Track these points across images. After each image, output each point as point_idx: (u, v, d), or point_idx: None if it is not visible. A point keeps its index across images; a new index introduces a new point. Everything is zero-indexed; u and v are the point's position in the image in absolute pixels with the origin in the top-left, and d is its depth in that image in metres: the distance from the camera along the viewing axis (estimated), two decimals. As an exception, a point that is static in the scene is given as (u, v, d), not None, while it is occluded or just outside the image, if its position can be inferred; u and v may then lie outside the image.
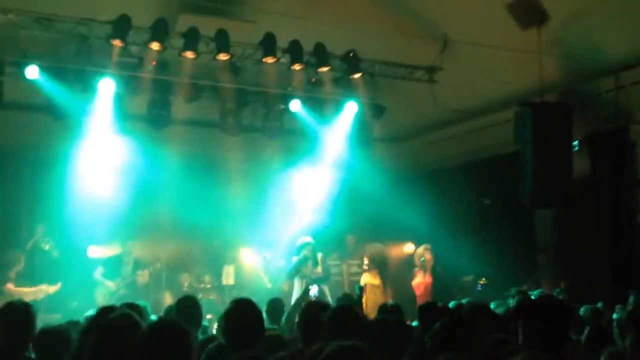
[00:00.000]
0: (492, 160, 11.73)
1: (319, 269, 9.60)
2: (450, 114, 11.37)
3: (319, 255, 9.74)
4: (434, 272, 10.69)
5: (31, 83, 9.44)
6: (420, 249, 10.19)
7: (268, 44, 9.60)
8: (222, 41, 9.36)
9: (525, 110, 9.19)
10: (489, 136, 11.52)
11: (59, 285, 9.44)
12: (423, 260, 10.64)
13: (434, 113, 11.30)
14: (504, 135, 10.31)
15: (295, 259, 9.72)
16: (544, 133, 9.03)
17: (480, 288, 10.89)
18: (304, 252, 9.66)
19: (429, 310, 5.65)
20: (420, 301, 9.02)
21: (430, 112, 11.44)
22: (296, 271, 9.62)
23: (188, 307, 5.31)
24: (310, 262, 9.64)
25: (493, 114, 11.17)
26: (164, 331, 3.06)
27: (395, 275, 11.29)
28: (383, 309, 6.76)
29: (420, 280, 9.92)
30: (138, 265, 10.17)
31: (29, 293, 9.11)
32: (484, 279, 10.83)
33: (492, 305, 6.39)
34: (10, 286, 9.22)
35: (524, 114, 9.21)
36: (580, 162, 9.45)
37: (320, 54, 10.00)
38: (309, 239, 9.72)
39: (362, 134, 11.81)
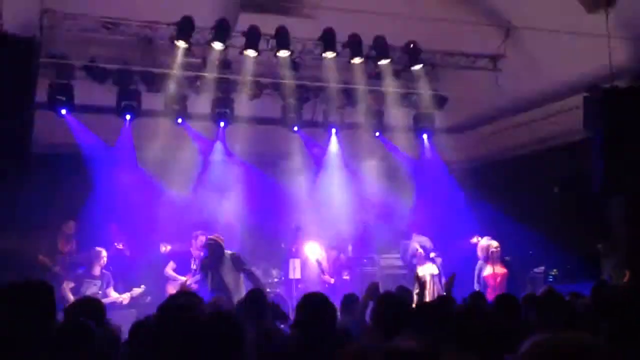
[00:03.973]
0: (560, 147, 11.42)
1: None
2: (516, 101, 11.11)
3: None
4: (504, 264, 10.39)
5: (100, 85, 9.81)
6: (485, 241, 9.91)
7: (327, 39, 9.65)
8: (282, 38, 9.45)
9: (595, 96, 8.87)
10: (556, 123, 11.21)
11: (142, 287, 9.84)
12: (490, 252, 10.37)
13: (499, 102, 11.08)
14: (572, 122, 10.01)
15: None
16: (614, 119, 8.70)
17: (551, 279, 10.60)
18: None
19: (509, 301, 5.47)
20: (492, 292, 8.75)
21: (495, 101, 11.22)
22: None
23: (255, 300, 5.43)
24: None
25: (560, 100, 10.86)
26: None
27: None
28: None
29: (491, 272, 9.61)
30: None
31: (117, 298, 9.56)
32: (555, 270, 10.55)
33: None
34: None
35: (593, 99, 8.89)
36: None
37: (380, 47, 9.95)
38: None
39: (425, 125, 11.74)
